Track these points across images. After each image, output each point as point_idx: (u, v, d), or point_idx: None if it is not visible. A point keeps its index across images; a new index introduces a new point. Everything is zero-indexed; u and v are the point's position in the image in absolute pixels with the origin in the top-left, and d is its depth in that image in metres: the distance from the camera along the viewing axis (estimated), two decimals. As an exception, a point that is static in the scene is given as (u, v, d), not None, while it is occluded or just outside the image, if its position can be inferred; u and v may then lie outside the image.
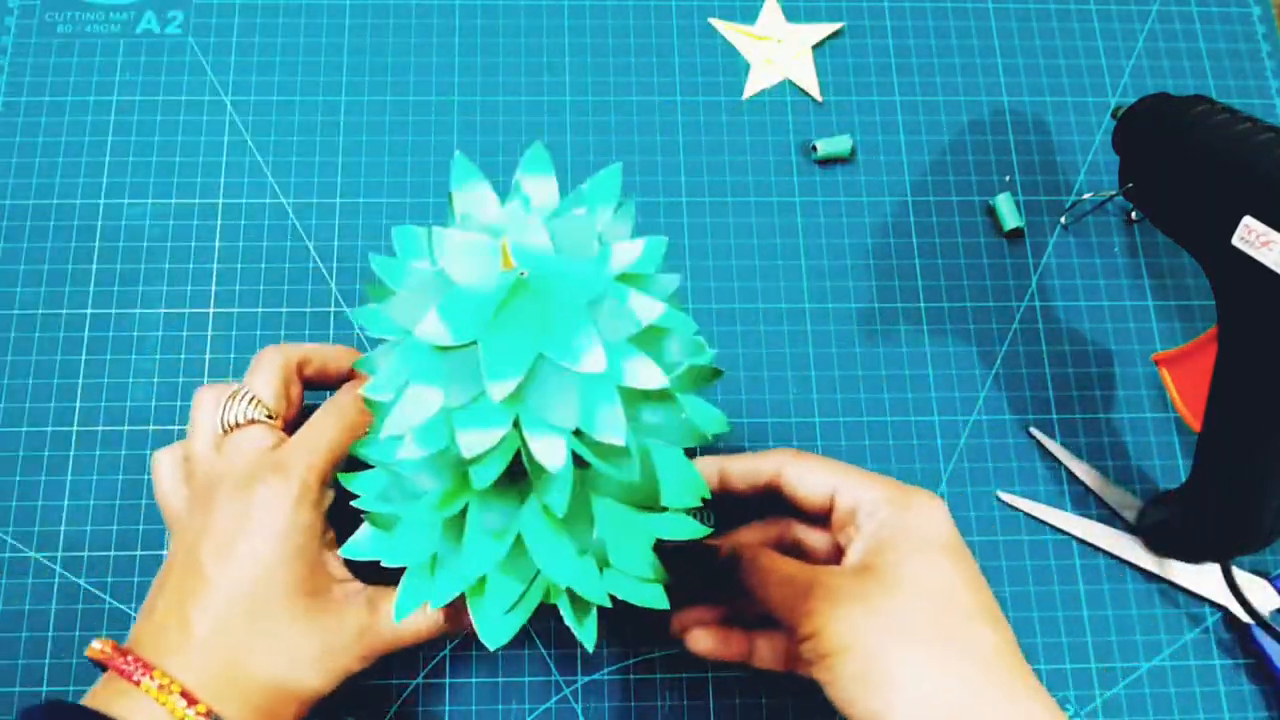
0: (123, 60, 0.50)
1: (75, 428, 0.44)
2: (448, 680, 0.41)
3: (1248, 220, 0.34)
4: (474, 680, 0.41)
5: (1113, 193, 0.44)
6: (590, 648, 0.33)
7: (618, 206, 0.27)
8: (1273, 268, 0.34)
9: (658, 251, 0.27)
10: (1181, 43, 0.52)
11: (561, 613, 0.32)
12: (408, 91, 0.49)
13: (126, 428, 0.44)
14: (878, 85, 0.51)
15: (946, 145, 0.50)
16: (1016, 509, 0.44)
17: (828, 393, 0.45)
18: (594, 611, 0.33)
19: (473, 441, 0.23)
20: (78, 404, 0.44)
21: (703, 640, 0.36)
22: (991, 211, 0.49)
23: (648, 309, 0.24)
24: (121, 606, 0.41)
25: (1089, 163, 0.50)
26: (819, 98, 0.50)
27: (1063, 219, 0.49)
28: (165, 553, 0.42)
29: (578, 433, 0.24)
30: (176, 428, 0.44)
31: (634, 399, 0.25)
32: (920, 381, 0.46)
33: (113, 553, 0.42)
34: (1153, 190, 0.40)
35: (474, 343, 0.23)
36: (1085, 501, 0.45)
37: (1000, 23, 0.52)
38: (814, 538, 0.37)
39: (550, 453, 0.23)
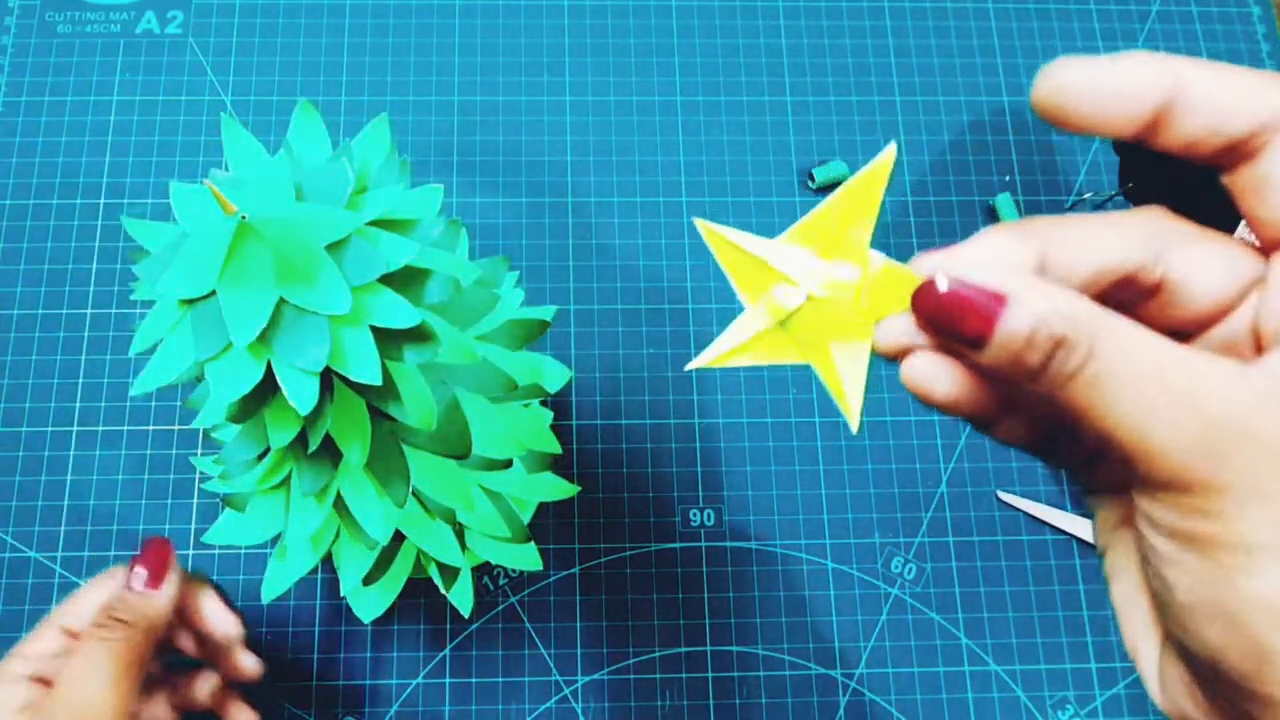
0: (123, 60, 0.50)
1: (75, 428, 0.44)
2: (448, 680, 0.41)
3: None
4: (474, 680, 0.41)
5: (1113, 193, 0.44)
6: (466, 613, 0.35)
7: (386, 157, 0.28)
8: None
9: (431, 199, 0.28)
10: (1181, 43, 0.52)
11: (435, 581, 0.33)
12: (408, 91, 0.49)
13: (126, 428, 0.44)
14: (878, 85, 0.51)
15: (946, 145, 0.50)
16: (1016, 509, 0.44)
17: (827, 392, 0.45)
18: (466, 576, 0.35)
19: (226, 390, 0.23)
20: (78, 404, 0.44)
21: (931, 371, 0.19)
22: (992, 211, 0.49)
23: (399, 251, 0.25)
24: (121, 606, 0.41)
25: (1089, 163, 0.50)
26: None
27: (1063, 219, 0.49)
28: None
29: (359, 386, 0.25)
30: (176, 428, 0.44)
31: (396, 339, 0.25)
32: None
33: (113, 553, 0.42)
34: (1152, 190, 0.40)
35: (214, 293, 0.23)
36: (1085, 502, 0.45)
37: (1000, 23, 0.52)
38: (1204, 283, 0.19)
39: (299, 394, 0.23)
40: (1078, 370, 0.17)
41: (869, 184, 0.20)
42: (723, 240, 0.22)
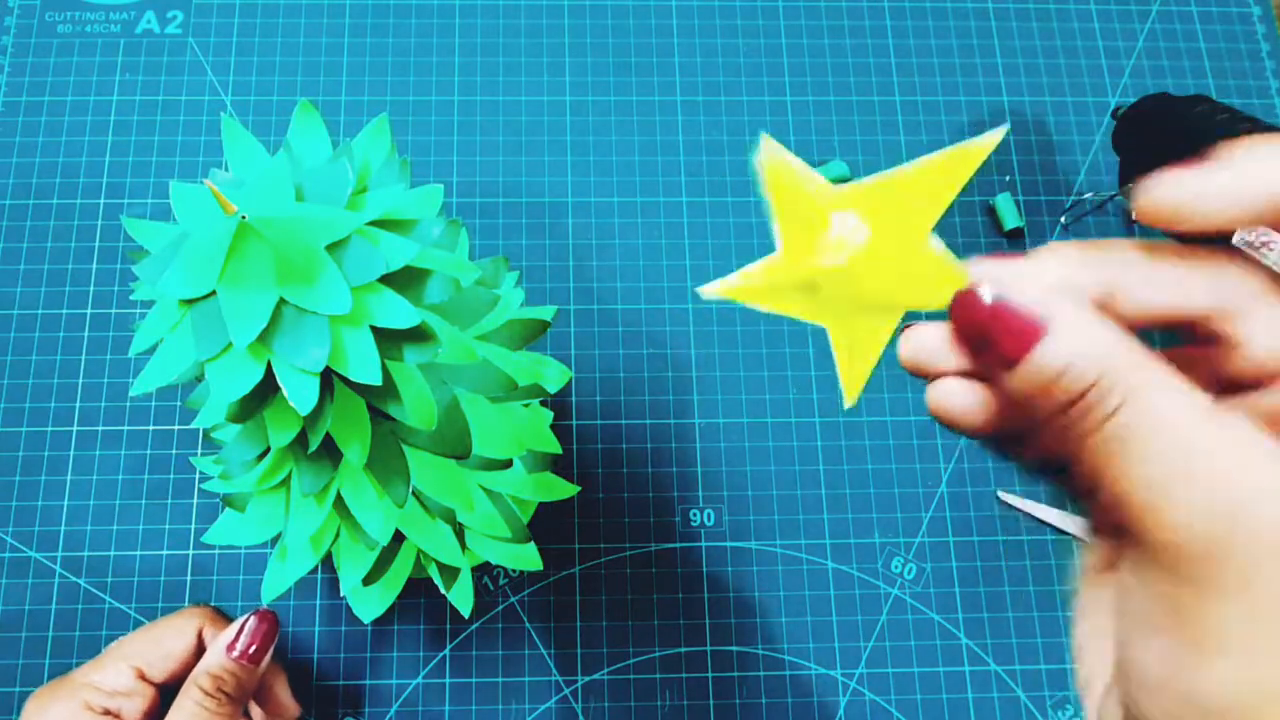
0: (123, 60, 0.49)
1: (75, 428, 0.44)
2: (448, 680, 0.41)
3: (1248, 220, 0.34)
4: (474, 680, 0.41)
5: (1113, 193, 0.44)
6: (466, 613, 0.35)
7: (386, 157, 0.28)
8: (1273, 267, 0.34)
9: (431, 199, 0.28)
10: (1181, 43, 0.52)
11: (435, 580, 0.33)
12: (408, 91, 0.49)
13: (126, 428, 0.44)
14: (878, 85, 0.51)
15: (946, 145, 0.50)
16: (1016, 509, 0.44)
17: (828, 392, 0.45)
18: (466, 576, 0.35)
19: (226, 390, 0.23)
20: (78, 404, 0.44)
21: (961, 398, 0.19)
22: (991, 211, 0.49)
23: (399, 251, 0.25)
24: (121, 606, 0.41)
25: (1089, 163, 0.50)
26: None
27: (1063, 219, 0.49)
28: (165, 553, 0.42)
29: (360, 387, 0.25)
30: (176, 428, 0.44)
31: (396, 339, 0.25)
32: (920, 381, 0.46)
33: (113, 553, 0.42)
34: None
35: (214, 293, 0.23)
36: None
37: (1000, 23, 0.52)
38: (1272, 349, 0.18)
39: (299, 394, 0.23)
40: (1103, 420, 0.16)
41: (962, 162, 0.18)
42: (782, 170, 0.18)
